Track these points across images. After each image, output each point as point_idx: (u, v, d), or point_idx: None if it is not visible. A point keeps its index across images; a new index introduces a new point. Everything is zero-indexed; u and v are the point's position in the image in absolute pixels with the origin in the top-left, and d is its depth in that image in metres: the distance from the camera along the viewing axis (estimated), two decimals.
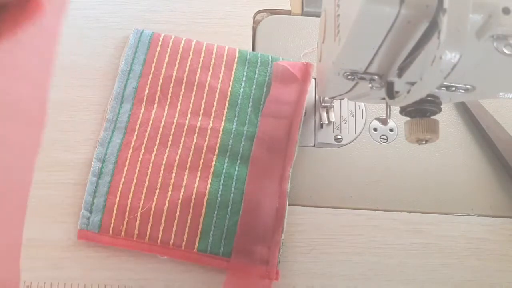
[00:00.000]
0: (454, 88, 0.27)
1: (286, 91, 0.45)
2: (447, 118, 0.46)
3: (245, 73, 0.46)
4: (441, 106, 0.29)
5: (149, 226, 0.40)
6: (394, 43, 0.24)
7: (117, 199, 0.40)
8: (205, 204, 0.41)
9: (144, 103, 0.44)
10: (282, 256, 0.40)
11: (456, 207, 0.43)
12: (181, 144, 0.43)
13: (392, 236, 0.41)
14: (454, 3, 0.20)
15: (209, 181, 0.42)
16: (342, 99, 0.44)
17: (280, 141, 0.43)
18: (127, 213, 0.40)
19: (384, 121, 0.46)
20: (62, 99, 0.44)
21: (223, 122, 0.44)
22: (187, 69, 0.45)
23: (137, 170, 0.42)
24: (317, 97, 0.46)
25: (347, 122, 0.45)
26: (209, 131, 0.43)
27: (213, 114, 0.44)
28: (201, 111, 0.44)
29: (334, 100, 0.44)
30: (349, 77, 0.28)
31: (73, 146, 0.42)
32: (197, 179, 0.42)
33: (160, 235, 0.40)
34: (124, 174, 0.41)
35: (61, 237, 0.39)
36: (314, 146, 0.45)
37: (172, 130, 0.43)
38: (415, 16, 0.22)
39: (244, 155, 0.43)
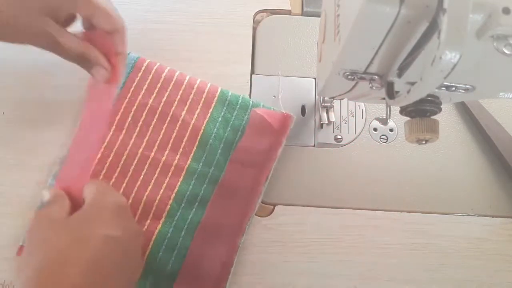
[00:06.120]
0: (454, 88, 0.27)
1: (259, 140, 0.42)
2: (447, 118, 0.46)
3: (222, 113, 0.44)
4: (441, 106, 0.29)
5: None
6: (394, 43, 0.24)
7: None
8: (151, 244, 0.38)
9: (113, 127, 0.42)
10: (282, 255, 0.40)
11: (456, 207, 0.43)
12: (141, 177, 0.41)
13: (392, 236, 0.41)
14: (454, 3, 0.20)
15: (162, 220, 0.39)
16: (342, 99, 0.44)
17: (244, 191, 0.41)
18: None
19: (384, 121, 0.46)
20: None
21: (190, 160, 0.42)
22: (164, 99, 0.43)
23: None
24: (317, 97, 0.46)
25: (347, 122, 0.45)
26: (172, 167, 0.41)
27: (180, 150, 0.42)
28: (169, 145, 0.42)
29: (334, 100, 0.44)
30: (349, 77, 0.28)
31: None
32: (150, 215, 0.40)
33: None
34: None
35: None
36: (314, 146, 0.45)
37: (135, 161, 0.41)
38: (415, 16, 0.22)
39: (203, 199, 0.41)
